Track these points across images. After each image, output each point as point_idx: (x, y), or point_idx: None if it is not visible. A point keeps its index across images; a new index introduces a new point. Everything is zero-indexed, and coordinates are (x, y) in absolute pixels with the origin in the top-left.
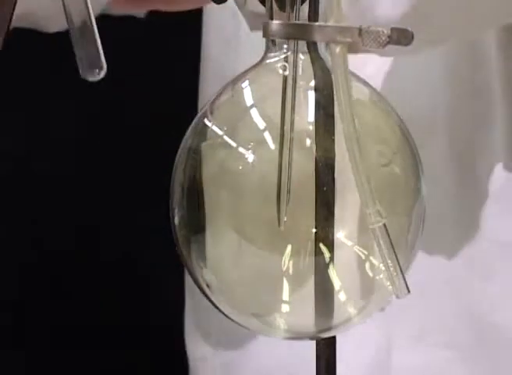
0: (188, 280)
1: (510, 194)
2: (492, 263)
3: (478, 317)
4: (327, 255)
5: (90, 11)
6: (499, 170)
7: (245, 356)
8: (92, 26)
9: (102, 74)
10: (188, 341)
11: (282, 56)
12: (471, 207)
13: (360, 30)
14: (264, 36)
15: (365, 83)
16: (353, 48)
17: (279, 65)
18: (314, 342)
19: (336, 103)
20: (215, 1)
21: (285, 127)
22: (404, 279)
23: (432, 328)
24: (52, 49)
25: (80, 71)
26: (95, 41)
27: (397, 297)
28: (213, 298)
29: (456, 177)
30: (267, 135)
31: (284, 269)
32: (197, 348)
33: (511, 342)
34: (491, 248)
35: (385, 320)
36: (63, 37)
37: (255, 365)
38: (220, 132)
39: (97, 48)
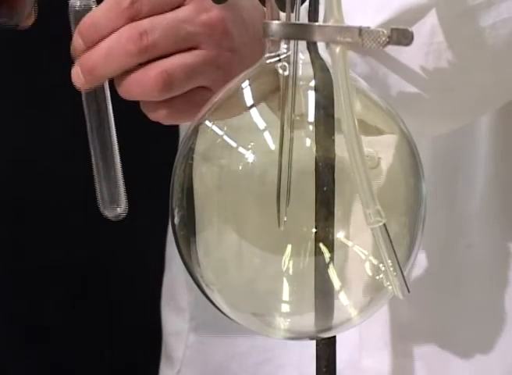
0: (168, 252)
1: (483, 215)
2: (462, 278)
3: (441, 327)
4: (327, 255)
5: (116, 150)
6: (479, 191)
7: (220, 335)
8: (116, 164)
9: (120, 211)
10: (164, 315)
11: (282, 56)
12: (444, 222)
13: (360, 30)
14: (264, 36)
15: (366, 84)
16: None
17: (279, 65)
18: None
19: (335, 103)
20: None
21: (285, 127)
22: (404, 279)
23: (396, 336)
24: (55, 51)
25: (100, 206)
26: (118, 178)
27: (397, 297)
28: (213, 298)
29: (434, 194)
30: (267, 135)
31: (284, 269)
32: (171, 323)
33: (471, 353)
34: (461, 262)
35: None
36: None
37: (230, 344)
38: (220, 132)
39: (119, 186)
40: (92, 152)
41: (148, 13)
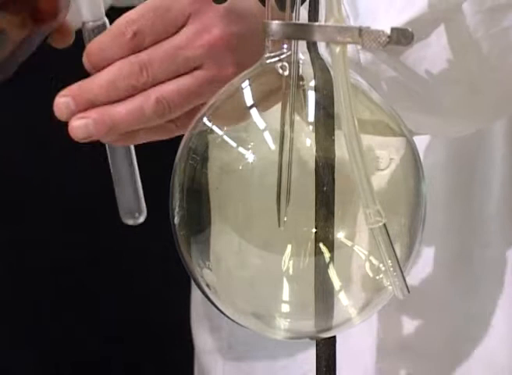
0: None
1: (499, 216)
2: (477, 278)
3: (457, 328)
4: (327, 255)
5: (133, 158)
6: (495, 189)
7: (257, 352)
8: (134, 171)
9: (142, 219)
10: (196, 333)
11: (282, 56)
12: (460, 223)
13: (360, 30)
14: (264, 36)
15: (366, 84)
16: None
17: (279, 65)
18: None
19: (335, 103)
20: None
21: (285, 127)
22: (404, 279)
23: (414, 338)
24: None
25: (120, 213)
26: (136, 185)
27: (397, 297)
28: (213, 298)
29: (450, 195)
30: (267, 135)
31: (284, 269)
32: (206, 341)
33: (485, 354)
34: (477, 262)
35: (374, 328)
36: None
37: (269, 360)
38: (220, 132)
39: (138, 193)
40: (111, 165)
41: (151, 43)
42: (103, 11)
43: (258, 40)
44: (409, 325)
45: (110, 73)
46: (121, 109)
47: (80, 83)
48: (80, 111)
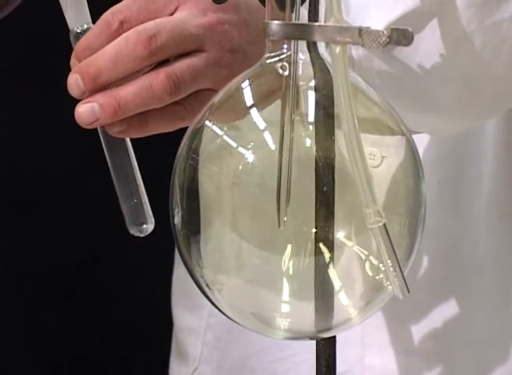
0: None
1: (489, 214)
2: (467, 277)
3: (445, 326)
4: (327, 255)
5: (135, 167)
6: (484, 188)
7: (238, 332)
8: (137, 181)
9: (150, 229)
10: (176, 311)
11: (282, 56)
12: (450, 221)
13: (360, 30)
14: (264, 36)
15: (366, 84)
16: None
17: (279, 65)
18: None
19: (335, 103)
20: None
21: (285, 127)
22: (404, 279)
23: (399, 335)
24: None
25: (127, 225)
26: (140, 196)
27: (397, 296)
28: (213, 298)
29: (440, 193)
30: (267, 135)
31: (284, 269)
32: (186, 319)
33: (474, 353)
34: (466, 261)
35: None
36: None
37: (247, 342)
38: (220, 132)
39: (142, 204)
40: (113, 177)
41: None
42: (89, 16)
43: (249, 30)
44: (397, 323)
45: (116, 43)
46: (128, 89)
47: (88, 58)
48: (88, 88)
